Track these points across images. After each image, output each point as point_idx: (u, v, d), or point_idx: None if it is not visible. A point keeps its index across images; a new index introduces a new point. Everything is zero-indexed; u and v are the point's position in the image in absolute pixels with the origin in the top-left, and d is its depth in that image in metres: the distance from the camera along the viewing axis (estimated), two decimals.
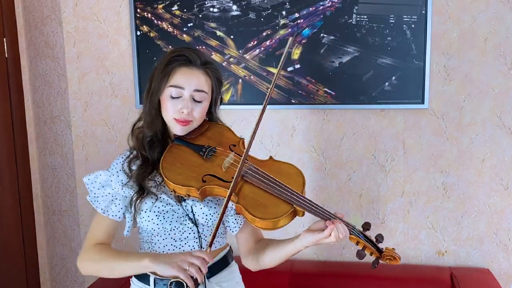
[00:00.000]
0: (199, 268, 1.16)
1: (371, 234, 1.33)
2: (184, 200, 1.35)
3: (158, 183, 1.35)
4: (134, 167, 1.36)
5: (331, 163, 2.25)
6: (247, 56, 2.21)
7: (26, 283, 2.61)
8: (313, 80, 2.18)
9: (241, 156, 1.27)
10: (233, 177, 1.23)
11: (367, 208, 2.23)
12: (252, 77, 2.22)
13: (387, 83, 2.13)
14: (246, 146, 1.29)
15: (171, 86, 1.30)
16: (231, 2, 2.19)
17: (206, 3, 2.21)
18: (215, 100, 1.39)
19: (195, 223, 1.35)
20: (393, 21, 2.09)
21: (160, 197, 1.33)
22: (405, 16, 2.08)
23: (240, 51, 2.22)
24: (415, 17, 2.07)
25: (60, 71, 2.40)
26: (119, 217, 1.36)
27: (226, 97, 2.26)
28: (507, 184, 2.13)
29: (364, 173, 2.22)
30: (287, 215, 1.22)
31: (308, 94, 2.19)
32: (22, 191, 2.56)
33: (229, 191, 1.22)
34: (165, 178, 1.28)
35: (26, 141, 2.55)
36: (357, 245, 1.29)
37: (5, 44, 2.42)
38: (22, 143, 2.54)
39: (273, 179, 1.25)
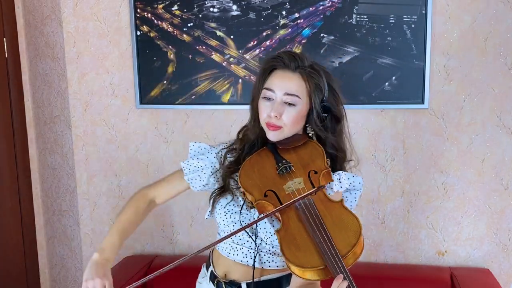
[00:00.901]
0: None
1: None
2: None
3: (238, 183, 1.36)
4: (228, 159, 1.39)
5: None
6: (247, 56, 2.21)
7: (26, 283, 2.61)
8: None
9: (311, 186, 1.18)
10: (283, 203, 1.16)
11: (367, 208, 2.23)
12: (252, 77, 2.22)
13: (387, 83, 2.13)
14: (319, 183, 1.16)
15: (264, 88, 1.29)
16: (231, 2, 2.19)
17: (206, 3, 2.21)
18: (315, 110, 1.28)
19: (255, 234, 1.30)
20: (393, 21, 2.09)
21: (236, 197, 1.34)
22: (405, 16, 2.07)
23: (240, 51, 2.22)
24: (415, 17, 2.07)
25: (60, 71, 2.40)
26: (195, 188, 1.40)
27: (226, 97, 2.26)
28: (507, 184, 2.13)
29: (364, 173, 2.22)
30: (315, 270, 1.06)
31: None
32: (22, 191, 2.56)
33: (270, 212, 1.14)
34: (238, 178, 1.28)
35: (26, 141, 2.55)
36: None
37: (5, 44, 2.42)
38: (22, 143, 2.54)
39: (322, 225, 1.10)
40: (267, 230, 1.28)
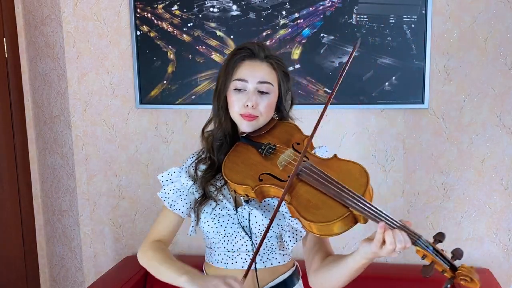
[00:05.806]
0: None
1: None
2: (243, 206, 1.29)
3: (218, 187, 1.32)
4: (200, 169, 1.36)
5: None
6: None
7: (26, 283, 2.61)
8: (313, 80, 2.18)
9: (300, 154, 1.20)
10: (289, 176, 1.15)
11: None
12: None
13: (387, 83, 2.13)
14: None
15: (235, 80, 1.28)
16: (231, 2, 2.19)
17: (206, 3, 2.21)
18: (283, 95, 1.34)
19: (249, 232, 1.26)
20: (393, 21, 2.09)
21: (219, 201, 1.30)
22: (405, 16, 2.07)
23: None
24: (415, 17, 2.07)
25: (60, 71, 2.40)
26: (184, 213, 1.34)
27: None
28: (507, 184, 2.13)
29: None
30: (341, 219, 1.07)
31: (308, 94, 2.19)
32: (22, 191, 2.56)
33: (283, 190, 1.13)
34: (225, 177, 1.25)
35: (26, 141, 2.55)
36: (423, 259, 1.12)
37: (5, 44, 2.42)
38: (22, 143, 2.54)
39: (330, 178, 1.11)
40: (257, 222, 1.26)
